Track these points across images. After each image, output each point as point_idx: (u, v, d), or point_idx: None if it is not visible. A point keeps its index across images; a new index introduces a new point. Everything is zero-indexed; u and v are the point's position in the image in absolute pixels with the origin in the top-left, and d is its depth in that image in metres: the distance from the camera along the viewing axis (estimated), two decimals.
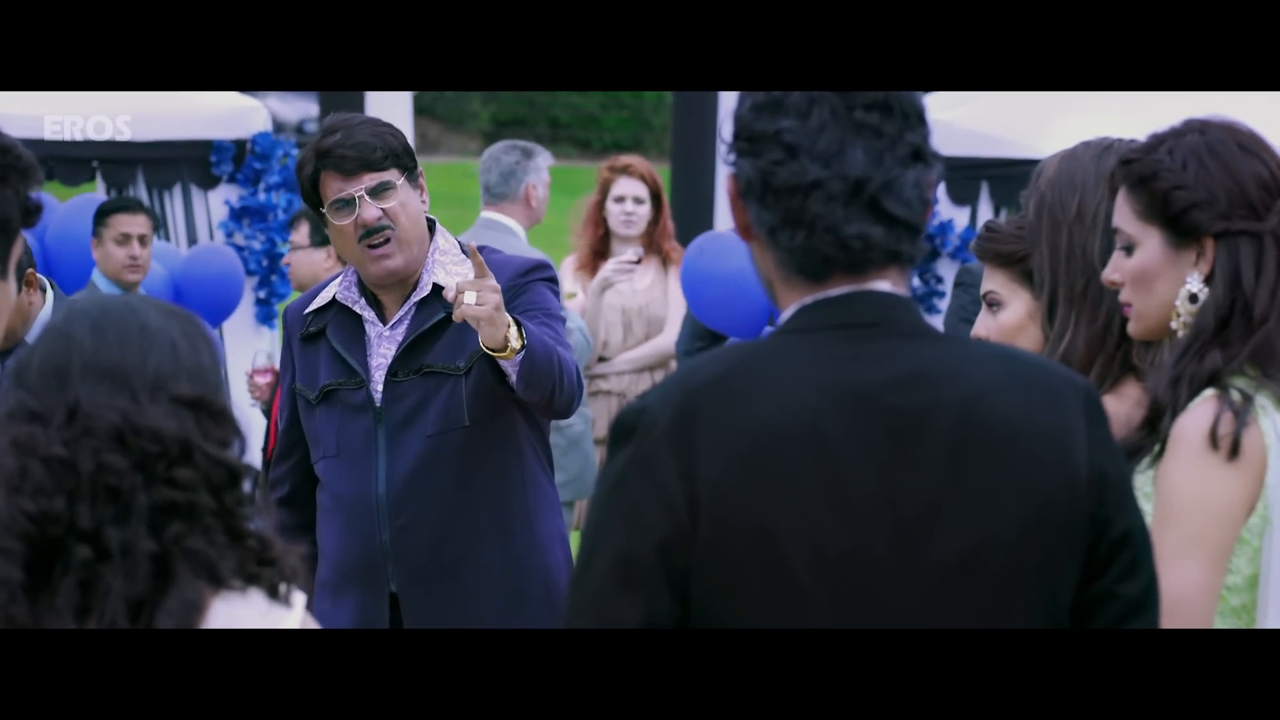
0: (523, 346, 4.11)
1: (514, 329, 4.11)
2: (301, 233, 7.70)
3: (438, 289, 4.34)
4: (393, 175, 4.33)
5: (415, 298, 4.36)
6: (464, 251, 4.43)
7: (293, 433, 4.50)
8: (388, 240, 4.30)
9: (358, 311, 4.40)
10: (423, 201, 4.39)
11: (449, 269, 4.37)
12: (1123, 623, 2.26)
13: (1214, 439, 2.75)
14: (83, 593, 2.16)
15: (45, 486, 2.17)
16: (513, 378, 4.18)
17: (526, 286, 4.36)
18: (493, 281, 4.08)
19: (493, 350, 4.12)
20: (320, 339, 4.43)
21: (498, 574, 4.35)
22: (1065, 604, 2.24)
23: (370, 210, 4.29)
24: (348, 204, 4.31)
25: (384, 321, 4.39)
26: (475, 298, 4.04)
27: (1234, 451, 2.74)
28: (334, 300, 4.44)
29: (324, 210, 4.35)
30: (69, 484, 2.17)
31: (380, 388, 4.34)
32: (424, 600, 4.32)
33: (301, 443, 4.49)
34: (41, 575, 2.17)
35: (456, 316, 4.08)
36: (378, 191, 4.31)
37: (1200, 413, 2.78)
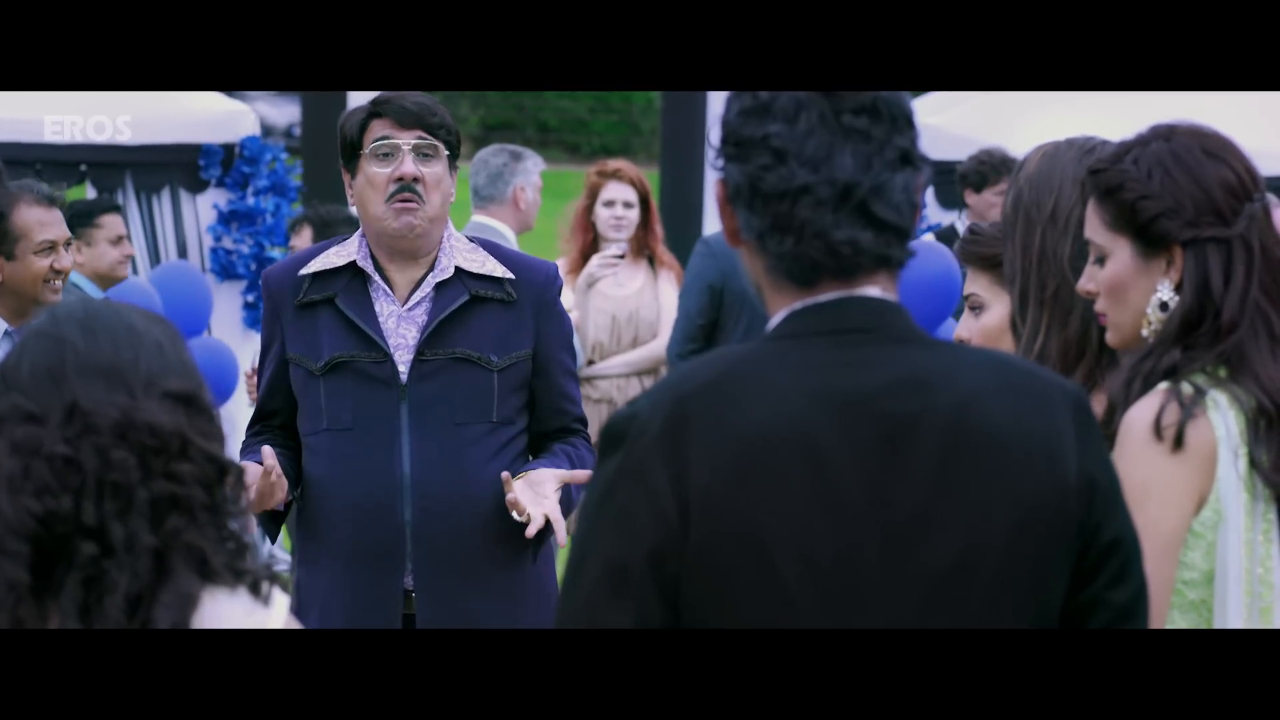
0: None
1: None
2: (304, 237, 7.67)
3: (459, 271, 4.34)
4: (440, 146, 4.34)
5: (436, 278, 4.35)
6: (472, 240, 4.44)
7: (275, 400, 4.43)
8: (417, 199, 4.30)
9: (378, 282, 4.35)
10: (450, 194, 4.38)
11: (464, 255, 4.37)
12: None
13: (1158, 429, 2.75)
14: (86, 590, 2.18)
15: (50, 486, 2.19)
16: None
17: (554, 305, 4.41)
18: (552, 502, 4.19)
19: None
20: (321, 307, 4.36)
21: (503, 570, 4.34)
22: (1055, 610, 2.23)
23: (410, 166, 4.29)
24: (391, 152, 4.31)
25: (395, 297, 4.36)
26: (536, 517, 4.16)
27: (1178, 442, 2.75)
28: (346, 267, 4.37)
29: (362, 153, 4.32)
30: (73, 482, 2.19)
31: (406, 365, 4.32)
32: (439, 585, 4.29)
33: (285, 411, 4.43)
34: (45, 574, 2.19)
35: (513, 508, 4.19)
36: (423, 151, 4.32)
37: (1147, 404, 2.78)
